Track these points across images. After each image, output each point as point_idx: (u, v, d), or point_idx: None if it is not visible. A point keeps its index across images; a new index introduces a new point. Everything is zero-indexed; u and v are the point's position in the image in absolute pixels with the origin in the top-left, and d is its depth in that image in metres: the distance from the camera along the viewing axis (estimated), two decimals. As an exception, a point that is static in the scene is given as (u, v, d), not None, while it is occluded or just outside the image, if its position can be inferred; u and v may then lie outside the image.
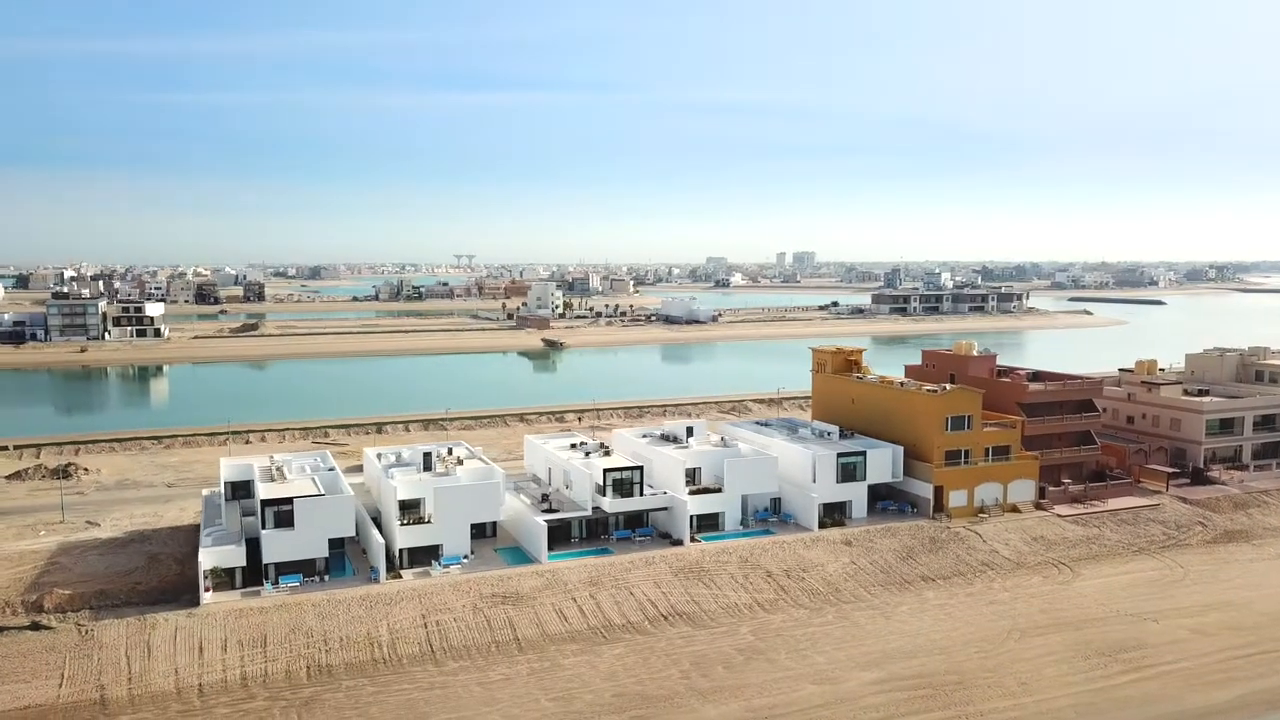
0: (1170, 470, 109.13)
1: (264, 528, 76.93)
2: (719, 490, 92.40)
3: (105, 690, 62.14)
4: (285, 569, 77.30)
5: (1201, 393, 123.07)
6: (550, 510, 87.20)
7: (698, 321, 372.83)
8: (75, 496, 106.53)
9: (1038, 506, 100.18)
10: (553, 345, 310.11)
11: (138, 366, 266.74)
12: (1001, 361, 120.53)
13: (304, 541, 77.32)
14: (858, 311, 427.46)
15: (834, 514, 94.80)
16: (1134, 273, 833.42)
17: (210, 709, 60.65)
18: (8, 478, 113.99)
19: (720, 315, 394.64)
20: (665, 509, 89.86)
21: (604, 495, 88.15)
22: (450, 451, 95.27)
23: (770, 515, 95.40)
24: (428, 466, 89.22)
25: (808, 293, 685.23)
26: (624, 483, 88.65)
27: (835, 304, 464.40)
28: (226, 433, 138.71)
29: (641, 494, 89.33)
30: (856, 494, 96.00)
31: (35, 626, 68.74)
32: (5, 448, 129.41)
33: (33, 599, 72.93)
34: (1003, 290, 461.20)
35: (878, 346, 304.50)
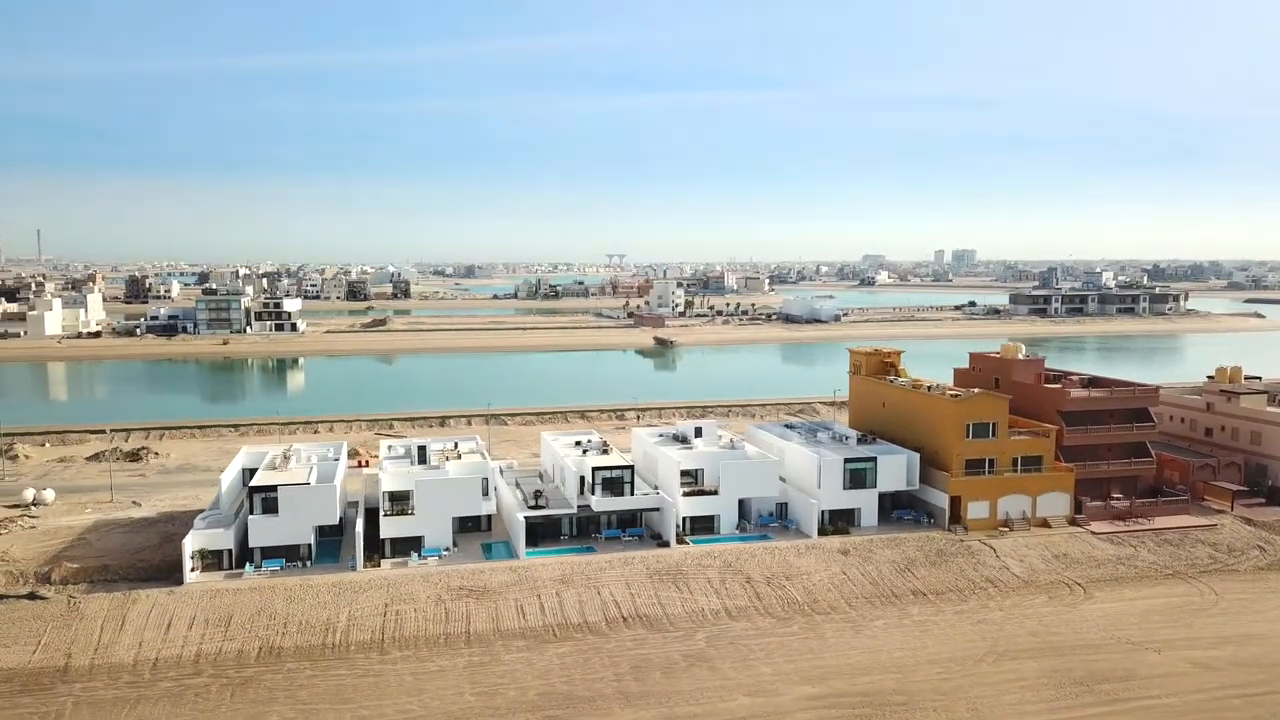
0: (1237, 488, 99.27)
1: (251, 513, 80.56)
2: (715, 493, 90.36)
3: (71, 659, 66.59)
4: (273, 553, 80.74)
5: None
6: (539, 507, 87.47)
7: (819, 321, 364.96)
8: (137, 478, 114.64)
9: (1072, 522, 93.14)
10: (664, 343, 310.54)
11: (274, 359, 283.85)
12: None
13: (289, 527, 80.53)
14: (994, 312, 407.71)
15: (839, 521, 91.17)
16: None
17: (155, 683, 63.98)
18: (88, 459, 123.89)
19: (845, 315, 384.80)
20: (656, 509, 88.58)
21: (592, 493, 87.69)
22: (455, 446, 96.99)
23: (773, 520, 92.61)
24: (421, 459, 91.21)
25: (957, 292, 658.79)
26: (613, 481, 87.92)
27: (972, 304, 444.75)
28: (299, 422, 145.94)
29: (632, 493, 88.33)
30: (866, 501, 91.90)
31: (32, 596, 74.51)
32: (103, 431, 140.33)
33: (45, 570, 79.02)
34: (1157, 290, 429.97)
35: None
